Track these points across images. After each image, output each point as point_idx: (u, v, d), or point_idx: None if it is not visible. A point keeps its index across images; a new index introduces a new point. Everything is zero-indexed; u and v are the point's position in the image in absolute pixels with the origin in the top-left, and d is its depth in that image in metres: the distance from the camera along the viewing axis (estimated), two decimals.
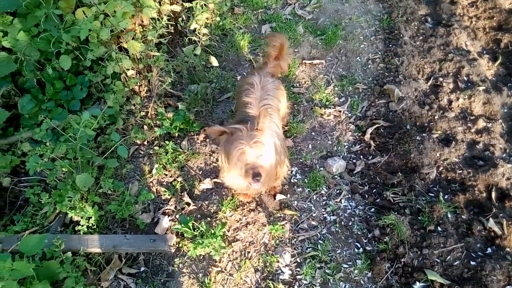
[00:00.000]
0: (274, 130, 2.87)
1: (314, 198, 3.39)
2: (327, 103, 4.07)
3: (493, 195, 3.22)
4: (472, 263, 2.84)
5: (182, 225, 3.08)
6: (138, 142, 3.70)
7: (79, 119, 3.01)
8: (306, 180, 3.50)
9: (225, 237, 3.13)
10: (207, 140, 3.72)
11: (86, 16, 3.23)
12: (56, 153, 2.93)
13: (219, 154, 2.82)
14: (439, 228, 3.05)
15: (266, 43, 3.41)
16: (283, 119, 3.56)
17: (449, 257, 2.88)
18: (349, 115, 3.99)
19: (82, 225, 3.02)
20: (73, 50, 3.43)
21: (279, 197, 3.34)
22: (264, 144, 2.53)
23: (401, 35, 4.59)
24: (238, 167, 2.56)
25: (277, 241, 3.12)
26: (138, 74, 3.80)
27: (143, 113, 3.77)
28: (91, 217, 3.07)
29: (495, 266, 2.77)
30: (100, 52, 3.40)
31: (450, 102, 3.93)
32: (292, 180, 3.50)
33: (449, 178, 3.40)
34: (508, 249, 2.92)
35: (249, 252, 3.06)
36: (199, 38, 3.53)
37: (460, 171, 3.40)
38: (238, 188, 3.02)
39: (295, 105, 4.05)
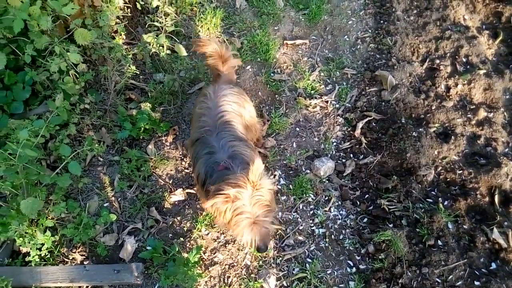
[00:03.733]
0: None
1: (301, 207, 3.01)
2: (313, 92, 3.60)
3: (496, 199, 2.92)
4: (476, 283, 2.56)
5: (151, 250, 2.68)
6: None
7: (19, 131, 2.48)
8: (291, 186, 3.10)
9: (201, 260, 2.75)
10: (177, 142, 3.25)
11: (22, 1, 2.61)
12: None
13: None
14: (439, 242, 2.74)
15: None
16: (251, 129, 2.89)
17: (451, 276, 2.60)
18: (337, 106, 3.54)
19: (33, 256, 2.59)
20: (8, 43, 2.82)
21: None
22: None
23: (393, 9, 4.07)
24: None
25: (260, 261, 2.76)
26: (91, 66, 3.23)
27: (100, 113, 3.24)
28: (43, 244, 2.64)
29: (501, 287, 2.51)
30: (43, 43, 2.81)
31: (448, 88, 3.52)
32: (275, 187, 3.09)
33: (448, 179, 3.06)
34: None
35: (229, 277, 2.70)
36: (162, 23, 2.95)
37: (460, 171, 3.07)
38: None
39: (276, 95, 3.57)
